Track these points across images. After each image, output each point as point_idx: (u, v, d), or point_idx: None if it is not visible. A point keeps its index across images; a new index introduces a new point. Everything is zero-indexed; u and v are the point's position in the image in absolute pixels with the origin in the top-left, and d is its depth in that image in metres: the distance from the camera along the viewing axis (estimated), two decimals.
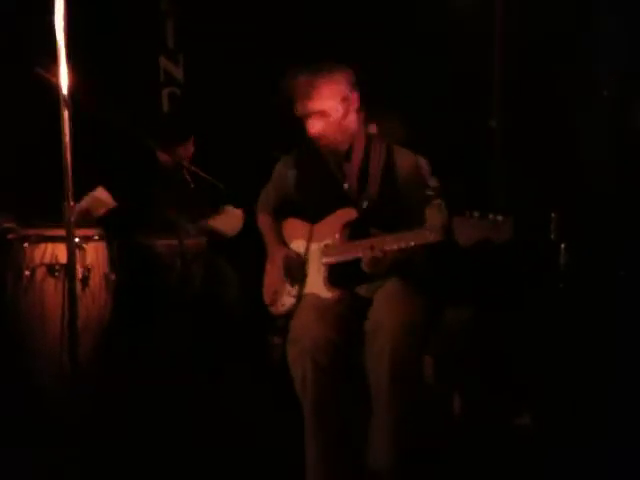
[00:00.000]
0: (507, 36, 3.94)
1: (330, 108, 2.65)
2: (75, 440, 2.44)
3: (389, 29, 4.17)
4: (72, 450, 2.41)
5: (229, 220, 3.78)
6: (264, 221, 3.03)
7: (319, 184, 2.82)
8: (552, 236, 2.98)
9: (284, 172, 2.93)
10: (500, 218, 2.27)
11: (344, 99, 2.67)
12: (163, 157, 3.62)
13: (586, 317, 3.17)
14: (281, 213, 2.97)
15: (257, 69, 4.18)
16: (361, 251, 2.56)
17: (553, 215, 2.95)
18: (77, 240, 2.93)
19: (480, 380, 3.01)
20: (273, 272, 2.88)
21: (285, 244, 2.91)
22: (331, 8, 4.16)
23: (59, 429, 2.67)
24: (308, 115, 2.67)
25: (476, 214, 2.30)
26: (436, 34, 4.07)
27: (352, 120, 2.73)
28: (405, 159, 2.76)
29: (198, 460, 2.83)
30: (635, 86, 3.70)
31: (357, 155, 2.76)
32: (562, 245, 2.83)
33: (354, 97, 2.70)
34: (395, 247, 2.50)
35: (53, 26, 2.25)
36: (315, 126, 2.67)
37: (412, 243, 2.48)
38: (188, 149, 3.71)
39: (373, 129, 2.85)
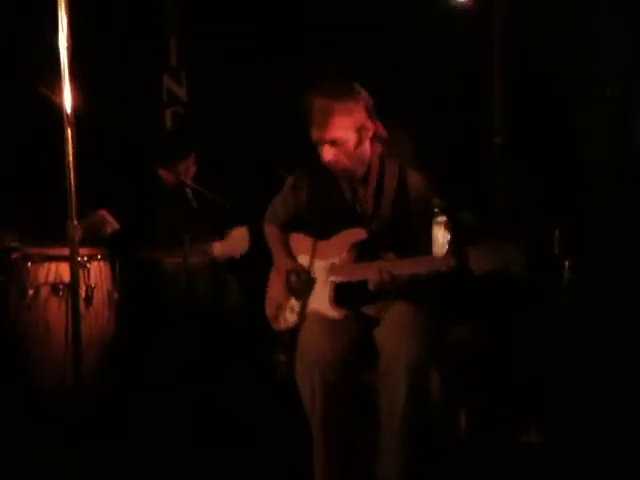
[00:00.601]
0: (507, 36, 3.93)
1: (344, 137, 2.60)
2: (75, 440, 2.44)
3: (389, 29, 4.14)
4: (72, 450, 2.41)
5: (235, 242, 3.76)
6: (271, 232, 2.99)
7: (331, 205, 2.78)
8: (556, 251, 2.98)
9: (296, 188, 2.89)
10: (511, 248, 2.27)
11: (359, 128, 2.61)
12: (165, 175, 3.59)
13: (589, 329, 3.19)
14: (289, 227, 2.95)
15: (261, 88, 4.15)
16: (369, 273, 2.54)
17: (556, 232, 2.94)
18: (81, 259, 2.93)
19: (486, 397, 3.02)
20: (278, 284, 2.87)
21: (292, 257, 2.89)
22: (331, 9, 4.13)
23: (59, 430, 2.67)
24: (322, 142, 2.64)
25: (491, 244, 2.29)
26: (436, 34, 4.04)
27: (367, 147, 2.68)
28: (416, 180, 2.73)
29: (199, 463, 2.83)
30: (635, 86, 3.69)
31: (372, 180, 2.73)
32: (566, 262, 2.82)
33: (370, 126, 2.64)
34: (406, 273, 2.50)
35: (56, 45, 2.23)
36: (329, 153, 2.63)
37: (424, 270, 2.47)
38: (189, 167, 3.68)
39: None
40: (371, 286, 2.54)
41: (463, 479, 2.74)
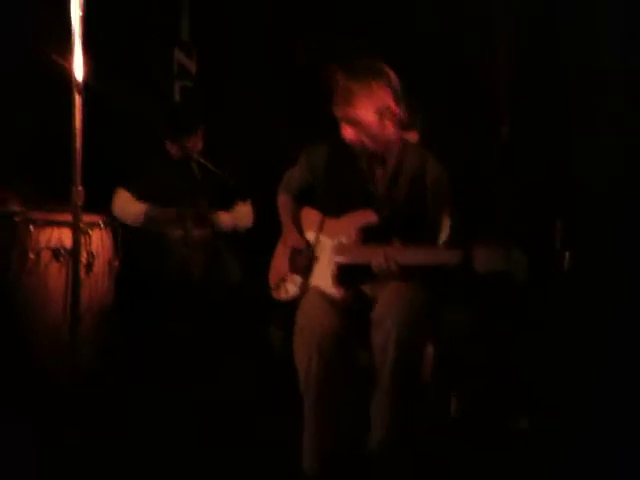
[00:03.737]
0: (507, 36, 3.91)
1: (363, 119, 2.61)
2: (75, 438, 2.43)
3: (389, 28, 4.13)
4: (72, 449, 2.41)
5: (240, 216, 3.78)
6: (284, 203, 2.99)
7: (347, 182, 2.79)
8: (557, 245, 2.98)
9: (314, 159, 2.89)
10: (518, 254, 2.30)
11: (381, 111, 2.61)
12: (171, 148, 3.60)
13: (586, 320, 3.20)
14: (303, 199, 2.95)
15: (271, 64, 4.15)
16: (374, 257, 2.56)
17: (558, 223, 2.95)
18: (83, 226, 2.93)
19: (478, 382, 3.04)
20: (283, 255, 2.88)
21: (300, 232, 2.89)
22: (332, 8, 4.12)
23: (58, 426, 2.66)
24: (341, 120, 2.65)
25: (496, 245, 2.32)
26: (437, 34, 4.03)
27: (389, 130, 2.67)
28: (436, 169, 2.73)
29: (197, 456, 2.82)
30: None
31: (390, 161, 2.74)
32: (567, 253, 2.82)
33: (394, 108, 2.63)
34: (410, 262, 2.52)
35: (69, 14, 2.25)
36: (348, 132, 2.65)
37: (429, 263, 2.50)
38: (197, 141, 3.66)
39: (414, 137, 2.80)
40: (374, 270, 2.57)
41: (450, 461, 2.75)
